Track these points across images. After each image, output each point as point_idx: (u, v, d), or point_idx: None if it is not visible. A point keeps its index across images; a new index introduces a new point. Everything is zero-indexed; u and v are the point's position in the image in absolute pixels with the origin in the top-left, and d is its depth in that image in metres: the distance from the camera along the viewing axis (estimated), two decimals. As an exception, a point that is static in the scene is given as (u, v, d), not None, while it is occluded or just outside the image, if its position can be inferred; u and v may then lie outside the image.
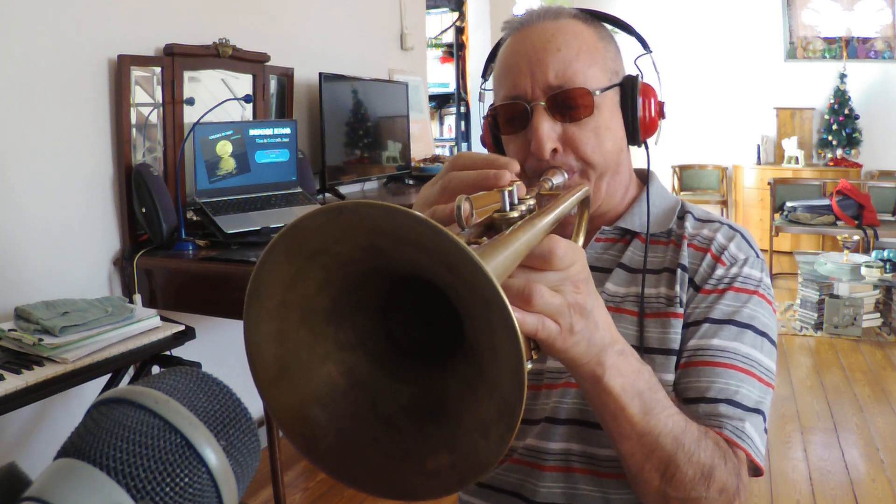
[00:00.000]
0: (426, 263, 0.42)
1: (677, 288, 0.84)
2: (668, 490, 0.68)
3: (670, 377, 0.80)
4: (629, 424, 0.65)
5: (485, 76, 0.93)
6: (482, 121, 0.93)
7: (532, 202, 0.60)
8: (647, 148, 0.89)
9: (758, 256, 0.86)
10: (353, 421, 0.48)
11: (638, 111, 0.86)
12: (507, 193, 0.56)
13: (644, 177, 0.94)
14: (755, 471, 0.77)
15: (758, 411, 0.77)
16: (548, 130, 0.81)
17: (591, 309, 0.57)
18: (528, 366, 0.54)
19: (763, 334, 0.81)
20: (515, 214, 0.56)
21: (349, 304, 0.48)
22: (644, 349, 0.82)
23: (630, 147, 0.90)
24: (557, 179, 0.79)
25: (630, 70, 0.88)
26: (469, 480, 0.44)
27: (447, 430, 0.45)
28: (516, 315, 0.51)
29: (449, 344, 0.50)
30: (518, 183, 0.59)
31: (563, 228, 0.82)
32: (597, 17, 0.88)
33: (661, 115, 0.88)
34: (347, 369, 0.49)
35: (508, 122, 0.85)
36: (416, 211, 0.39)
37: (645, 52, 0.90)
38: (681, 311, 0.83)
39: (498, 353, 0.41)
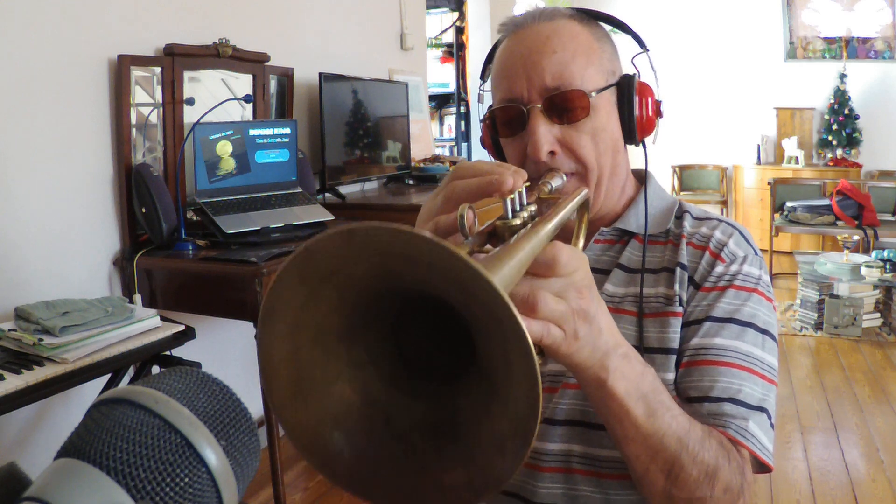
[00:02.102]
0: (438, 283, 0.42)
1: (676, 287, 0.83)
2: (674, 490, 0.68)
3: (670, 376, 0.80)
4: (634, 427, 0.65)
5: (483, 78, 0.93)
6: (481, 123, 0.93)
7: (533, 208, 0.60)
8: (644, 147, 0.89)
9: (756, 254, 0.86)
10: (368, 438, 0.48)
11: (635, 110, 0.85)
12: (508, 200, 0.57)
13: (641, 177, 0.94)
14: (762, 468, 0.77)
15: (761, 409, 0.77)
16: (544, 133, 0.81)
17: (594, 314, 0.58)
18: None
19: (764, 332, 0.81)
20: (518, 221, 0.56)
21: (361, 323, 0.48)
22: (643, 349, 0.82)
23: (629, 147, 0.90)
24: (556, 182, 0.78)
25: (627, 69, 0.88)
26: (485, 494, 0.44)
27: (462, 447, 0.46)
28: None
29: (461, 361, 0.50)
30: (525, 186, 0.60)
31: (562, 232, 0.83)
32: (593, 17, 0.88)
33: (658, 113, 0.88)
34: (361, 388, 0.49)
35: (506, 125, 0.85)
36: (421, 227, 0.39)
37: (641, 51, 0.90)
38: (680, 309, 0.83)
39: (511, 371, 0.41)
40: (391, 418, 0.49)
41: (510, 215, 0.56)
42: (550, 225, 0.58)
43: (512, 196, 0.57)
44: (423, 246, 0.39)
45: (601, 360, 0.61)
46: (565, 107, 0.81)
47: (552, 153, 0.82)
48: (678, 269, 0.84)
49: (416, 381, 0.51)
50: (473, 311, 0.42)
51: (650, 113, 0.87)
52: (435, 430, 0.48)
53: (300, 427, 0.47)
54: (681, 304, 0.83)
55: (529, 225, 0.57)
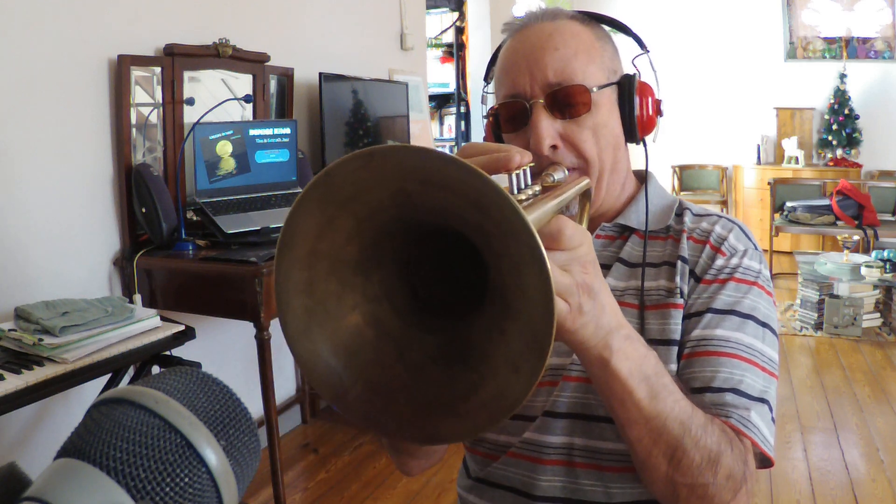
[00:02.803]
0: (454, 204, 0.42)
1: (677, 279, 0.84)
2: (676, 476, 0.68)
3: (672, 368, 0.81)
4: (637, 409, 0.65)
5: (487, 79, 0.94)
6: (484, 122, 0.94)
7: (538, 188, 0.61)
8: (645, 145, 0.90)
9: (756, 248, 0.87)
10: (381, 370, 0.49)
11: (635, 109, 0.87)
12: (514, 176, 0.57)
13: (642, 178, 0.95)
14: (764, 461, 0.77)
15: (763, 400, 0.77)
16: (546, 127, 0.82)
17: (598, 290, 0.58)
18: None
19: (764, 325, 0.82)
20: (522, 197, 0.57)
21: (376, 256, 0.49)
22: (645, 341, 0.82)
23: (630, 146, 0.91)
24: (558, 175, 0.79)
25: (628, 70, 0.89)
26: (500, 417, 0.44)
27: (476, 372, 0.46)
28: None
29: (472, 295, 0.51)
30: (530, 165, 0.60)
31: None
32: (594, 18, 0.89)
33: (658, 112, 0.89)
34: (375, 320, 0.49)
35: (509, 121, 0.87)
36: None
37: (642, 51, 0.91)
38: (681, 301, 0.83)
39: (526, 287, 0.42)
40: (404, 351, 0.49)
41: (515, 191, 0.57)
42: (555, 201, 0.59)
43: (518, 172, 0.57)
44: (440, 163, 0.40)
45: (605, 339, 0.61)
46: (567, 102, 0.83)
47: (554, 147, 0.83)
48: (679, 262, 0.85)
49: (429, 316, 0.51)
50: (487, 231, 0.43)
51: (650, 112, 0.88)
52: (448, 360, 0.48)
53: (313, 358, 0.47)
54: (682, 297, 0.84)
55: (533, 200, 0.57)
